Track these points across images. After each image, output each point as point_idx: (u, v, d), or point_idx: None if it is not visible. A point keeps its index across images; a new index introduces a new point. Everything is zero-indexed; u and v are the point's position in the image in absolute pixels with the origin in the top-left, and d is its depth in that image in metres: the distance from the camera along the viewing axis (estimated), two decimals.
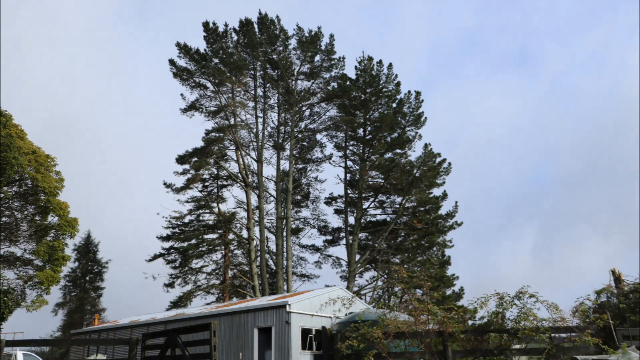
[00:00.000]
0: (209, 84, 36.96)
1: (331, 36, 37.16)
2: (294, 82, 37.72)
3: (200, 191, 38.01)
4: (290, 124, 37.83)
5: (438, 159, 34.51)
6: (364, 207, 36.70)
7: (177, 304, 35.42)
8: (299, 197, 40.21)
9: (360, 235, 36.69)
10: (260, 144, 37.20)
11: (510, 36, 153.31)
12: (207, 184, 38.97)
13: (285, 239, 35.72)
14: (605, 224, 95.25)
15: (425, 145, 33.07)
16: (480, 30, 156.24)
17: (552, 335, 10.22)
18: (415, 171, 33.58)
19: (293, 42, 37.47)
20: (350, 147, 37.97)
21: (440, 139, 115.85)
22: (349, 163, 37.89)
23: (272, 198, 38.50)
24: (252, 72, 37.78)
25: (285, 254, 35.26)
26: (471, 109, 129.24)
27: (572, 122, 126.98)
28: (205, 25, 36.47)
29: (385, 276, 35.13)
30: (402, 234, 36.42)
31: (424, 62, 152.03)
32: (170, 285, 36.10)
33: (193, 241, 36.19)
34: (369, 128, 36.17)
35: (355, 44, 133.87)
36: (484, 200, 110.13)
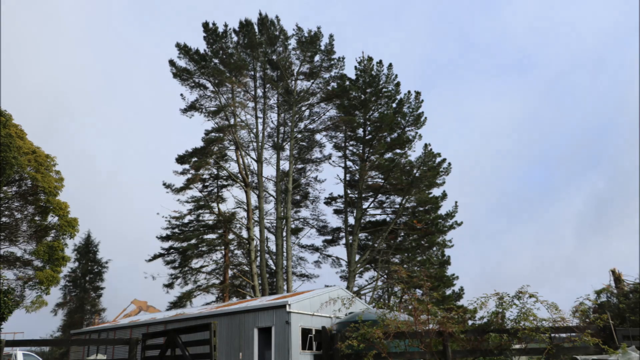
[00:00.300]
0: (208, 84, 37.02)
1: (331, 36, 37.19)
2: (293, 82, 37.72)
3: (200, 191, 38.04)
4: (289, 124, 37.83)
5: (438, 159, 34.52)
6: (363, 207, 36.68)
7: (177, 304, 35.43)
8: (298, 197, 40.22)
9: (360, 235, 36.68)
10: (260, 144, 37.21)
11: (509, 36, 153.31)
12: (207, 184, 39.00)
13: (285, 239, 35.72)
14: (605, 223, 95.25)
15: (425, 145, 33.07)
16: (480, 30, 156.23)
17: (552, 335, 10.20)
18: (415, 171, 33.57)
19: (293, 43, 37.53)
20: (350, 147, 38.00)
21: (440, 138, 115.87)
22: (349, 163, 37.94)
23: (271, 198, 38.54)
24: (252, 72, 37.81)
25: (285, 254, 35.25)
26: (470, 108, 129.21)
27: (571, 121, 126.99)
28: (205, 25, 36.47)
29: (385, 276, 35.13)
30: (402, 234, 36.40)
31: (423, 61, 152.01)
32: (170, 285, 36.14)
33: (193, 241, 36.21)
34: (369, 128, 36.16)
35: (354, 44, 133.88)
36: (484, 199, 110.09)
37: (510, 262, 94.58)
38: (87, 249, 50.78)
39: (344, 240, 37.37)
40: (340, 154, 38.21)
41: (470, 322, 12.33)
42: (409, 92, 35.28)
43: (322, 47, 37.18)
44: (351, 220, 36.67)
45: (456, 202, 35.66)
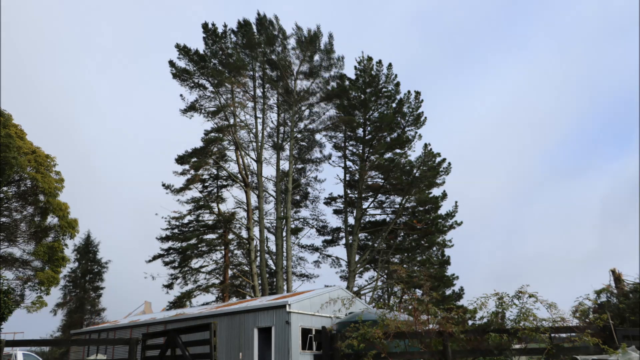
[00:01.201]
0: (208, 85, 36.98)
1: (330, 35, 37.18)
2: (293, 82, 37.71)
3: (200, 191, 38.06)
4: (289, 124, 37.83)
5: (438, 159, 34.55)
6: (363, 207, 36.71)
7: (177, 304, 35.45)
8: (298, 197, 40.25)
9: (360, 235, 36.71)
10: (259, 144, 37.21)
11: (506, 31, 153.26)
12: (206, 184, 39.03)
13: (285, 239, 35.74)
14: (603, 222, 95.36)
15: (425, 145, 33.10)
16: (476, 26, 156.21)
17: (552, 335, 10.20)
18: (415, 171, 33.59)
19: (292, 42, 37.51)
20: (350, 147, 38.04)
21: (439, 137, 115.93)
22: (349, 163, 37.98)
23: (271, 198, 38.57)
24: (251, 72, 37.79)
25: (285, 254, 35.26)
26: (467, 106, 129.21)
27: (569, 121, 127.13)
28: (205, 26, 36.45)
29: (385, 276, 35.15)
30: (402, 234, 36.44)
31: (421, 57, 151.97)
32: (169, 286, 36.17)
33: (193, 241, 36.25)
34: (369, 128, 36.19)
35: (353, 43, 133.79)
36: (483, 198, 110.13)
37: (510, 261, 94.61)
38: (87, 249, 50.81)
39: (343, 240, 37.43)
40: (340, 154, 38.30)
41: (470, 322, 12.34)
42: (408, 91, 35.33)
43: (322, 47, 37.19)
44: (351, 220, 36.71)
45: (456, 202, 35.76)
